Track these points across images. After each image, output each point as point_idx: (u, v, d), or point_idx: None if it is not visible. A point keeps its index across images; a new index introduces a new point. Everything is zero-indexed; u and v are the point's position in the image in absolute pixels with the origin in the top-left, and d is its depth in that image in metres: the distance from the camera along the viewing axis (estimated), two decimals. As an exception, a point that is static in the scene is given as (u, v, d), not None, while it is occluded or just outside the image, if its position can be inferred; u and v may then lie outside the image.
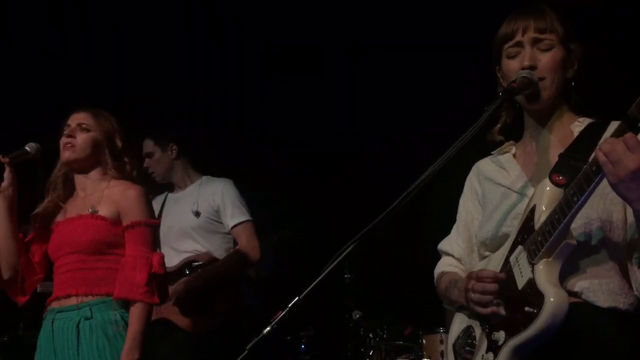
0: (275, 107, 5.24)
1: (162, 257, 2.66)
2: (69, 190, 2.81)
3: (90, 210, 2.68)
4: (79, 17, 4.83)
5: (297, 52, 4.98)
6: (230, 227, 3.75)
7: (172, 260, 3.66)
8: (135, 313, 2.57)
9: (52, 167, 2.84)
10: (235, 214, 3.76)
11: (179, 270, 3.69)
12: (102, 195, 2.70)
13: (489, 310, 1.73)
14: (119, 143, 2.78)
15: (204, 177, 3.93)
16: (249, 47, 5.06)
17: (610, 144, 1.49)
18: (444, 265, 2.04)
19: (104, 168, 2.75)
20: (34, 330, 2.83)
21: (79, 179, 2.78)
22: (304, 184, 5.09)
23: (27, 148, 2.75)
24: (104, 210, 2.66)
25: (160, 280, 2.64)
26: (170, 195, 3.96)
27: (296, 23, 4.76)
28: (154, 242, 2.68)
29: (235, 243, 3.79)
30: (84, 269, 2.63)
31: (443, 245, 2.07)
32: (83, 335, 2.56)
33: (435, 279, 2.06)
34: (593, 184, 1.55)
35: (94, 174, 2.76)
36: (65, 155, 2.73)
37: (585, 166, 1.59)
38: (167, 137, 3.92)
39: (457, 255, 2.02)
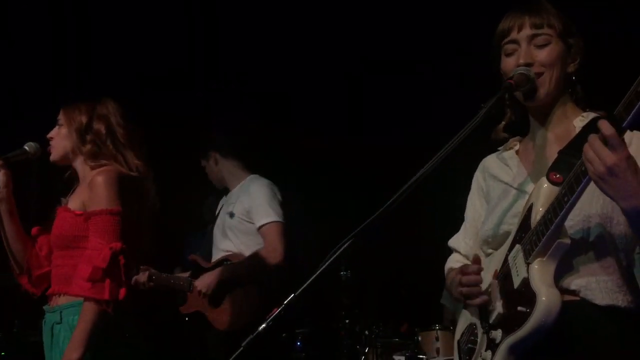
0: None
1: (116, 249, 2.44)
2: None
3: (63, 203, 2.67)
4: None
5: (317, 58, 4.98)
6: (258, 228, 3.74)
7: (215, 258, 3.85)
8: (83, 310, 2.42)
9: (46, 164, 2.83)
10: (263, 214, 3.72)
11: (212, 268, 3.79)
12: (79, 187, 2.67)
13: (477, 301, 1.76)
14: (84, 120, 2.64)
15: (249, 177, 3.94)
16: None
17: (590, 141, 1.49)
18: (452, 262, 2.05)
19: (83, 157, 2.68)
20: (29, 328, 2.83)
21: (79, 174, 2.75)
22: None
23: (26, 147, 2.73)
24: (72, 203, 2.61)
25: (106, 275, 2.42)
26: (225, 197, 4.06)
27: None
28: (118, 232, 2.48)
29: None
30: (58, 266, 2.60)
31: (452, 242, 2.08)
32: (55, 339, 2.54)
33: (445, 275, 2.07)
34: (582, 183, 1.54)
35: (82, 164, 2.70)
36: (51, 158, 2.74)
37: (576, 165, 1.58)
38: (207, 146, 4.01)
39: (463, 252, 2.03)
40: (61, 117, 2.73)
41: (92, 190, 2.54)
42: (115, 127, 2.67)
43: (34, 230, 2.75)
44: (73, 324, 2.47)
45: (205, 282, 3.73)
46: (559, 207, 1.59)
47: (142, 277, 3.73)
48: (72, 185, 2.77)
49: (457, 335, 1.94)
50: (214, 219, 4.09)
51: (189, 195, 4.58)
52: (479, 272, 1.77)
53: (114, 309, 2.44)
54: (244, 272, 3.69)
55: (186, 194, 4.56)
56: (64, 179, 2.80)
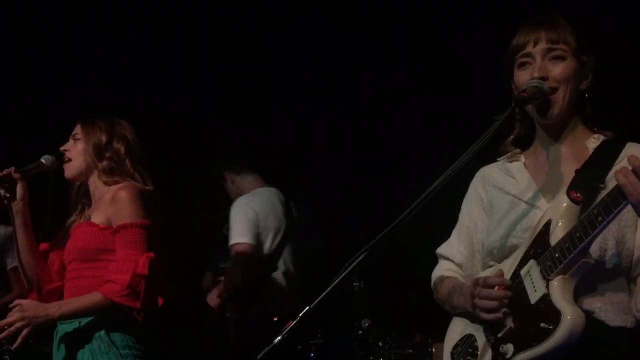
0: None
1: (152, 258, 2.51)
2: (90, 203, 2.81)
3: (84, 218, 2.69)
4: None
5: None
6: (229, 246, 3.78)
7: None
8: (94, 298, 2.48)
9: (62, 176, 2.86)
10: (231, 235, 3.74)
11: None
12: (100, 202, 2.68)
13: (492, 316, 1.73)
14: (103, 139, 2.70)
15: (253, 191, 3.96)
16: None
17: (623, 172, 1.52)
18: (442, 270, 2.02)
19: (97, 172, 2.72)
20: (45, 339, 2.85)
21: (90, 188, 2.79)
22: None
23: (43, 160, 2.75)
24: (95, 217, 2.64)
25: (146, 282, 2.49)
26: None
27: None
28: (148, 244, 2.55)
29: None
30: (78, 278, 2.62)
31: (442, 249, 2.05)
32: (72, 349, 2.56)
33: (433, 282, 2.04)
34: (621, 206, 1.55)
35: (96, 180, 2.73)
36: (65, 173, 2.76)
37: (602, 185, 1.60)
38: (220, 168, 4.07)
39: (457, 261, 2.00)
40: (79, 132, 2.76)
41: (117, 205, 2.58)
42: (133, 146, 2.73)
43: (44, 246, 2.77)
44: (91, 334, 2.51)
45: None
46: (591, 226, 1.59)
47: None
48: (77, 200, 2.81)
49: (450, 346, 1.92)
50: None
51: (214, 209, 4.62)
52: (507, 287, 1.74)
53: (145, 317, 2.50)
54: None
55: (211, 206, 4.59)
56: (73, 195, 2.83)
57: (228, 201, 4.04)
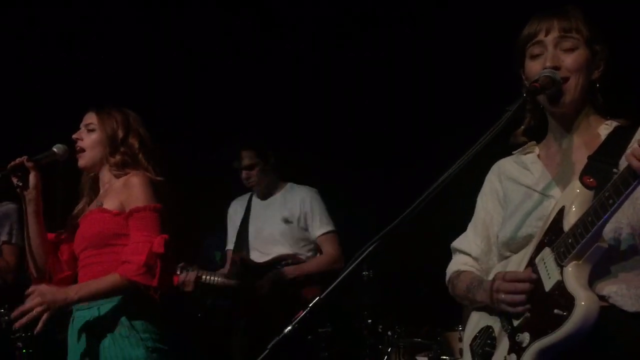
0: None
1: (166, 239, 2.56)
2: (97, 192, 2.83)
3: (97, 204, 2.71)
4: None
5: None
6: (317, 236, 4.04)
7: (258, 260, 4.02)
8: (112, 278, 2.50)
9: (72, 165, 2.87)
10: (322, 224, 4.03)
11: (269, 264, 3.96)
12: (110, 189, 2.71)
13: (519, 309, 1.71)
14: (120, 134, 2.73)
15: (288, 184, 4.16)
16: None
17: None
18: (459, 264, 2.02)
19: (109, 165, 2.75)
20: (57, 326, 2.88)
21: (100, 178, 2.81)
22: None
23: (55, 149, 2.76)
24: (108, 203, 2.66)
25: (161, 261, 2.53)
26: (257, 199, 4.16)
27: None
28: (161, 226, 2.59)
29: (317, 251, 4.07)
30: (94, 264, 2.64)
31: (458, 243, 2.05)
32: (93, 335, 2.57)
33: (448, 277, 2.04)
34: (631, 187, 1.54)
35: (107, 171, 2.76)
36: (80, 163, 2.77)
37: (616, 170, 1.58)
38: (265, 145, 4.15)
39: (474, 254, 1.99)
40: (94, 123, 2.77)
41: (130, 191, 2.62)
42: (146, 140, 2.77)
43: (51, 236, 2.79)
44: (112, 320, 2.54)
45: (271, 280, 3.90)
46: (602, 209, 1.58)
47: (191, 276, 3.83)
48: (85, 188, 2.83)
49: (469, 338, 1.92)
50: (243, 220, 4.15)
51: (205, 198, 4.64)
52: (531, 281, 1.72)
53: (161, 296, 2.54)
54: (313, 269, 3.95)
55: (202, 197, 4.61)
56: (82, 183, 2.85)
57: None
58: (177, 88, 5.13)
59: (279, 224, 4.00)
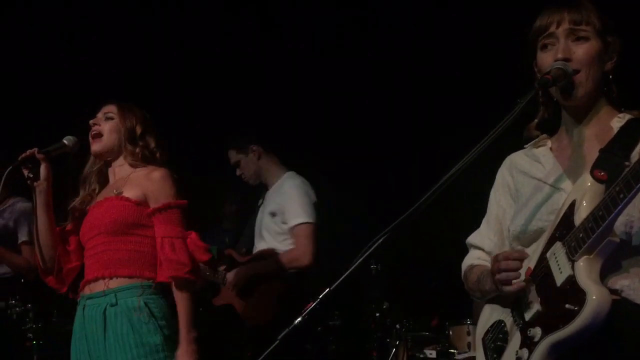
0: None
1: (197, 235, 2.66)
2: (103, 183, 2.85)
3: (115, 192, 2.71)
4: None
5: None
6: (290, 227, 3.75)
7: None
8: (183, 294, 2.59)
9: (83, 157, 2.88)
10: (297, 214, 3.72)
11: (246, 263, 3.86)
12: (128, 179, 2.72)
13: (514, 287, 1.72)
14: (138, 129, 2.78)
15: (286, 174, 3.93)
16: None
17: None
18: (473, 259, 2.02)
19: (125, 154, 2.78)
20: (67, 317, 2.90)
21: (110, 168, 2.82)
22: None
23: (65, 141, 2.77)
24: (129, 192, 2.68)
25: (197, 258, 2.66)
26: (266, 193, 4.02)
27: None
28: (186, 223, 2.68)
29: None
30: (108, 251, 2.65)
31: (473, 238, 2.05)
32: (109, 321, 2.58)
33: (463, 272, 2.04)
34: None
35: (122, 161, 2.78)
36: (94, 147, 2.78)
37: (628, 163, 1.56)
38: (246, 139, 3.96)
39: (487, 249, 1.99)
40: (113, 112, 2.79)
41: (156, 184, 2.68)
42: (161, 140, 2.83)
43: (58, 228, 2.80)
44: (132, 306, 2.57)
45: (236, 275, 3.80)
46: (613, 204, 1.57)
47: None
48: (88, 178, 2.85)
49: (481, 333, 1.92)
50: (252, 214, 4.12)
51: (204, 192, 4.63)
52: (521, 258, 1.74)
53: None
54: (272, 269, 3.73)
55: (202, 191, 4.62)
56: (85, 172, 2.86)
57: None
58: (177, 88, 5.13)
59: (267, 217, 3.86)
